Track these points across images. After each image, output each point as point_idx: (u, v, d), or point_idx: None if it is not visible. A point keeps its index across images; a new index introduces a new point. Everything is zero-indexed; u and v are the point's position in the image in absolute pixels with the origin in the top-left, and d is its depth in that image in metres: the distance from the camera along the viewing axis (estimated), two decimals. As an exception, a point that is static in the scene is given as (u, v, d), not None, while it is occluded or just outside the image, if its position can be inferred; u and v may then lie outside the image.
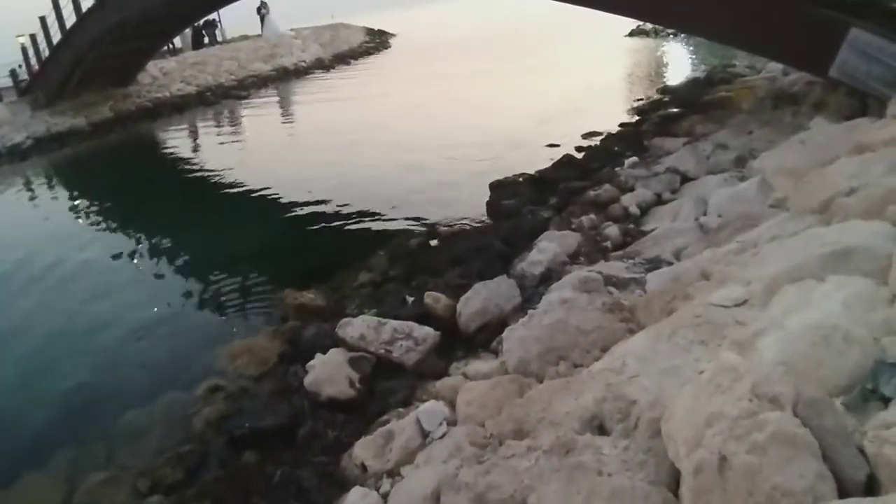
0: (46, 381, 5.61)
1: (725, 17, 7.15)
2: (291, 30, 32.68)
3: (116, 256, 8.73)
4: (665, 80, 15.09)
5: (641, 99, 12.90)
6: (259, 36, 30.30)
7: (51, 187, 14.40)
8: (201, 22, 26.84)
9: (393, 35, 43.39)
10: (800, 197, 3.96)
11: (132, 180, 13.68)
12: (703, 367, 2.40)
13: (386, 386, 4.00)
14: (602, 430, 2.45)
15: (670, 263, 4.34)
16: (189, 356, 5.52)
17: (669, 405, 2.16)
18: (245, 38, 31.25)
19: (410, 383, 3.91)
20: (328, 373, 4.07)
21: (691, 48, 19.32)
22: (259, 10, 29.71)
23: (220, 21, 30.15)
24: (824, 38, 6.18)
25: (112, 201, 12.03)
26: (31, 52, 20.53)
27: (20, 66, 21.55)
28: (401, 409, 3.63)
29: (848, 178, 3.59)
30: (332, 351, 4.30)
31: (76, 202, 12.85)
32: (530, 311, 3.82)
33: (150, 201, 11.48)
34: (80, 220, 11.21)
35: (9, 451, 4.65)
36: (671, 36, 21.44)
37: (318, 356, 4.28)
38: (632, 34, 23.67)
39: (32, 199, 13.53)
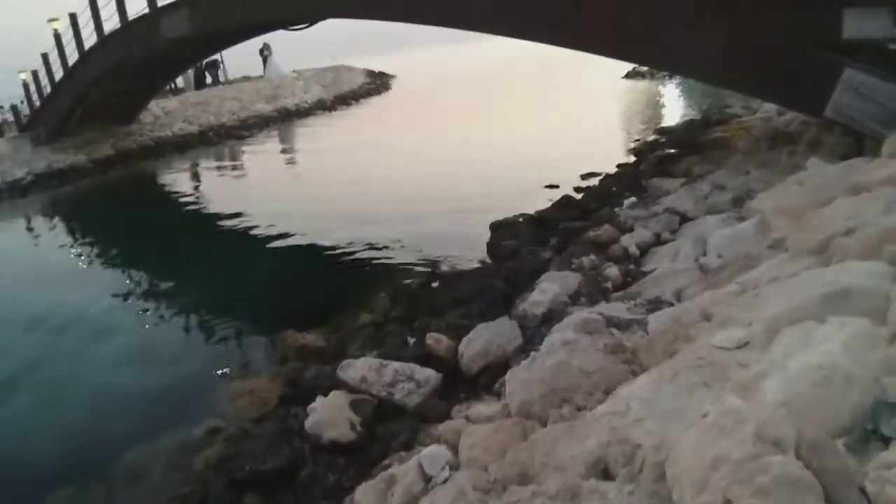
0: (46, 421, 5.60)
1: (719, 59, 7.29)
2: (294, 71, 33.23)
3: (116, 295, 8.73)
4: (662, 120, 15.34)
5: (639, 140, 13.10)
6: (261, 77, 30.84)
7: (51, 224, 14.49)
8: (204, 62, 27.33)
9: (393, 77, 44.11)
10: (798, 237, 3.99)
11: (132, 218, 13.77)
12: (707, 409, 2.40)
13: (388, 429, 3.98)
14: (607, 475, 2.43)
15: (671, 304, 4.35)
16: (189, 397, 5.52)
17: (674, 448, 2.16)
18: (247, 78, 31.80)
19: (412, 426, 3.89)
20: (329, 415, 4.05)
21: (687, 90, 19.66)
22: (262, 51, 30.30)
23: (222, 62, 30.73)
24: (819, 78, 6.28)
25: (112, 239, 12.09)
26: (32, 88, 20.88)
27: (22, 101, 21.91)
28: (403, 453, 3.60)
29: (845, 218, 3.64)
30: (333, 393, 4.28)
31: (76, 239, 12.91)
32: (532, 353, 3.82)
33: (149, 239, 11.54)
34: (80, 258, 11.24)
35: (8, 491, 4.62)
36: (667, 78, 21.85)
37: (319, 398, 4.26)
38: (628, 76, 24.14)
39: (32, 235, 13.61)
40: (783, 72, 6.70)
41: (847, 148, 6.49)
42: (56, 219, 14.86)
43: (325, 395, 4.29)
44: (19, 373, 6.65)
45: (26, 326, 7.85)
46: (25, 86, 21.25)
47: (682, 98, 19.32)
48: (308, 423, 4.11)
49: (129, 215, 14.15)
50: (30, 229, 14.11)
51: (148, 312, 7.98)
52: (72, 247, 12.32)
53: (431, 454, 3.21)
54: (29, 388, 6.29)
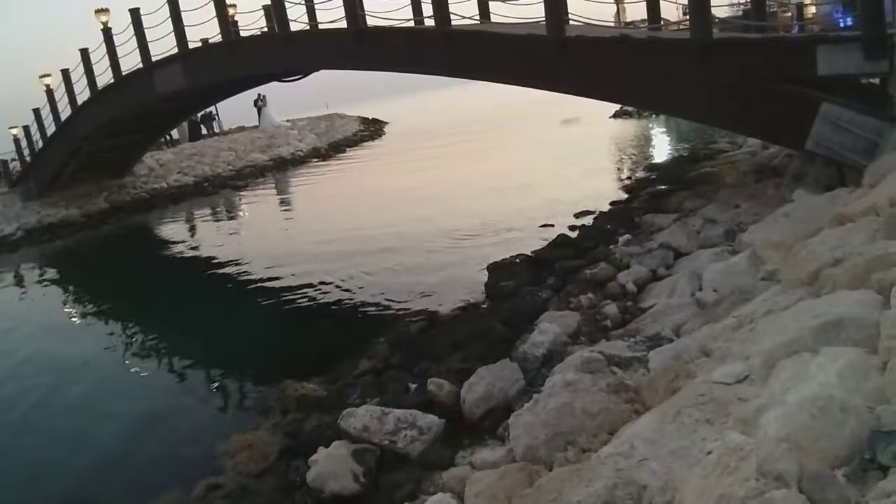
0: (41, 481, 5.48)
1: (703, 98, 7.51)
2: (288, 121, 33.73)
3: (110, 351, 8.61)
4: (651, 158, 15.55)
5: (630, 177, 13.26)
6: (256, 127, 31.26)
7: (41, 279, 14.20)
8: (199, 114, 27.65)
9: (386, 123, 44.67)
10: (789, 269, 4.06)
11: (125, 271, 13.60)
12: (710, 446, 2.42)
13: (391, 479, 3.93)
14: (615, 518, 2.42)
15: (671, 340, 4.39)
16: (187, 453, 5.41)
17: (680, 489, 2.16)
18: (242, 129, 32.19)
19: (416, 475, 3.85)
20: (331, 467, 4.01)
21: (673, 127, 20.00)
22: (256, 102, 30.82)
23: (217, 113, 31.12)
24: (798, 114, 6.50)
25: (105, 293, 11.91)
26: (23, 143, 20.96)
27: (14, 159, 22.05)
28: (407, 504, 3.57)
29: (832, 248, 3.71)
30: (335, 444, 4.24)
31: (67, 295, 12.74)
32: (535, 396, 3.83)
33: (143, 292, 11.43)
34: (71, 314, 11.11)
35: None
36: (654, 116, 22.24)
37: (321, 450, 4.21)
38: (616, 116, 24.55)
39: (21, 291, 13.34)
40: (764, 110, 6.92)
41: (830, 178, 6.65)
42: (46, 273, 14.66)
43: (327, 445, 4.25)
44: (12, 431, 6.55)
45: (18, 385, 7.71)
46: (16, 141, 21.36)
47: (669, 135, 19.63)
48: (310, 476, 4.06)
49: (121, 268, 14.00)
50: (19, 284, 13.84)
51: (143, 367, 7.88)
52: (62, 302, 12.17)
53: (437, 504, 3.19)
54: (23, 446, 6.20)
